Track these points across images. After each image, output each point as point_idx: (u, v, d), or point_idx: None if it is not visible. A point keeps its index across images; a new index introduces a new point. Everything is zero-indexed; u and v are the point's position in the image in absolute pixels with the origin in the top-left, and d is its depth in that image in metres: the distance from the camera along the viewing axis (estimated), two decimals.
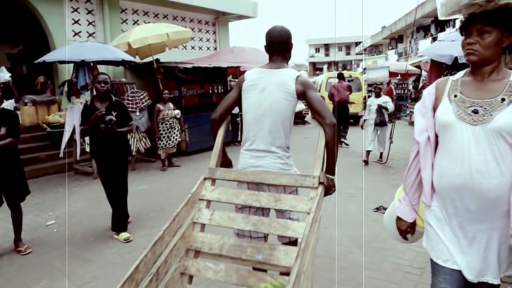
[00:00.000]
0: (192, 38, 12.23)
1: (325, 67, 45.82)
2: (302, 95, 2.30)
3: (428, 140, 1.71)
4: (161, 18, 11.05)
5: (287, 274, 1.79)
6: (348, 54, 50.49)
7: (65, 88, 7.03)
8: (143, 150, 7.53)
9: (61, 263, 3.59)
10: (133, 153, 7.40)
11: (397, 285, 3.11)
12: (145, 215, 4.90)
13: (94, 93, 4.39)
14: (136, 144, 7.39)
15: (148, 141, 7.59)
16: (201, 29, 12.60)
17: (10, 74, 7.86)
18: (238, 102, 2.47)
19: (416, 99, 17.01)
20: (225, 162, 2.64)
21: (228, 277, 1.99)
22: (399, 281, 3.19)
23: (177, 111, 7.53)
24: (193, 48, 12.35)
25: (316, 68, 51.64)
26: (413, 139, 1.76)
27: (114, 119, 3.92)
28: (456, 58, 6.21)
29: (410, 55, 26.06)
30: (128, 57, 6.82)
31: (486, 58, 1.57)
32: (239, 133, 10.32)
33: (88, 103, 4.13)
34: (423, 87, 8.57)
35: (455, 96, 1.65)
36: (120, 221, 4.21)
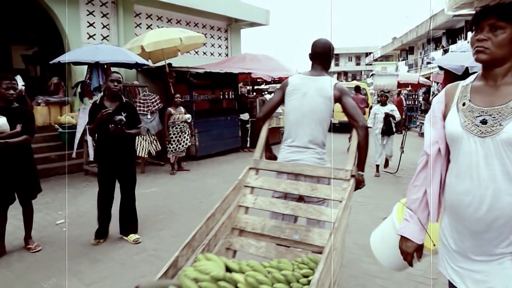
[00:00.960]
0: (204, 44, 12.31)
1: (334, 77, 45.71)
2: (338, 100, 2.65)
3: (438, 153, 1.55)
4: (174, 23, 11.16)
5: (320, 253, 2.05)
6: (358, 64, 50.45)
7: (78, 89, 7.10)
8: (153, 153, 7.55)
9: (70, 262, 3.58)
10: (144, 156, 7.42)
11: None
12: (154, 218, 4.89)
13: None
14: (148, 146, 7.42)
15: (158, 144, 7.61)
16: (213, 35, 12.69)
17: (23, 83, 7.93)
18: (280, 103, 2.85)
19: (426, 110, 16.93)
20: (271, 157, 2.98)
21: (268, 253, 2.27)
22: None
23: (188, 116, 7.56)
24: (205, 53, 12.43)
25: None
26: (423, 151, 1.63)
27: (124, 119, 3.86)
28: (467, 68, 6.16)
29: (421, 66, 26.04)
30: (142, 60, 6.88)
31: (498, 58, 1.40)
32: (248, 139, 10.32)
33: (98, 102, 4.04)
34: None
35: (463, 104, 1.48)
36: (129, 224, 4.20)
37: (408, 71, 25.33)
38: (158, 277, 1.76)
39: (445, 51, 18.44)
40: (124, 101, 4.08)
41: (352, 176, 2.36)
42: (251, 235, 2.41)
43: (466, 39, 17.88)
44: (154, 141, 7.53)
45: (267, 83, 15.37)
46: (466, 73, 6.35)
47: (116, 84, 3.91)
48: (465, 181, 1.42)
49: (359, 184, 2.52)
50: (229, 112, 10.02)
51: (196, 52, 12.05)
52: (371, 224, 4.61)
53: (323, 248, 1.93)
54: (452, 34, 21.55)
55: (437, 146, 1.55)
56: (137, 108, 7.27)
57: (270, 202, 2.47)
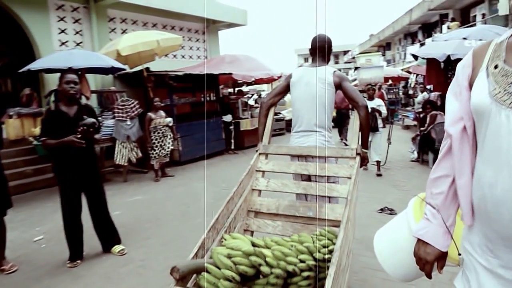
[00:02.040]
0: (182, 47, 12.03)
1: None
2: (338, 85, 2.90)
3: (464, 132, 1.20)
4: (150, 27, 10.87)
5: (334, 226, 2.25)
6: (336, 62, 50.78)
7: (52, 98, 6.76)
8: (135, 160, 7.25)
9: (50, 280, 3.31)
10: (125, 164, 7.13)
11: (413, 286, 2.92)
12: (139, 227, 4.63)
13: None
14: (128, 154, 7.12)
15: (139, 151, 7.32)
16: (191, 37, 12.45)
17: None
18: (285, 91, 3.10)
19: (406, 104, 17.07)
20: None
21: (285, 231, 2.42)
22: (415, 281, 2.99)
23: (169, 119, 7.30)
24: (183, 57, 12.17)
25: None
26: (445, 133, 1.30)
27: (96, 122, 3.48)
28: (449, 56, 6.14)
29: (399, 61, 26.34)
30: (118, 64, 6.61)
31: None
32: (232, 141, 10.11)
33: (53, 109, 3.51)
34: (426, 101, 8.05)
35: (496, 67, 1.14)
36: (109, 238, 3.89)
37: (386, 66, 25.54)
38: (190, 258, 1.83)
39: (422, 45, 18.65)
40: (82, 104, 3.70)
41: (358, 154, 2.58)
42: (267, 216, 2.56)
43: (441, 32, 18.12)
44: (135, 148, 7.24)
45: (248, 84, 15.21)
46: (448, 62, 6.32)
47: (72, 85, 3.44)
48: (493, 170, 1.09)
49: (363, 161, 2.71)
50: (211, 115, 9.79)
51: (174, 56, 11.80)
52: (366, 217, 4.49)
53: (336, 222, 2.24)
54: (428, 28, 21.84)
55: (462, 123, 1.20)
56: (116, 115, 7.02)
57: (282, 184, 2.63)
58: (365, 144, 2.78)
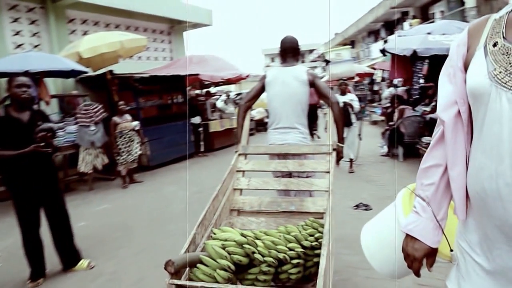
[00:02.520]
0: (147, 48, 11.70)
1: None
2: (312, 83, 3.01)
3: (458, 118, 1.11)
4: (113, 28, 10.46)
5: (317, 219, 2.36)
6: (302, 62, 51.33)
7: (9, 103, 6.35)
8: (100, 167, 6.94)
9: None
10: (90, 171, 6.80)
11: (398, 281, 2.86)
12: (109, 237, 4.39)
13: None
14: (93, 161, 6.80)
15: (105, 157, 7.02)
16: (156, 38, 12.13)
17: None
18: (261, 92, 3.15)
19: (372, 100, 17.43)
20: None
21: (269, 226, 2.45)
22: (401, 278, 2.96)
23: (136, 123, 7.04)
24: (148, 58, 11.84)
25: None
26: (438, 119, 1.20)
27: (52, 126, 3.19)
28: (415, 51, 6.24)
29: (363, 59, 26.87)
30: (80, 67, 6.30)
31: None
32: (202, 143, 9.92)
33: (3, 115, 3.15)
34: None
35: (495, 44, 1.03)
36: (71, 255, 3.56)
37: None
38: (182, 253, 1.84)
39: (385, 42, 19.10)
40: (36, 109, 3.39)
41: (334, 149, 2.71)
42: (249, 214, 2.61)
43: (403, 29, 18.63)
44: (101, 154, 6.93)
45: (215, 85, 15.02)
46: (414, 56, 6.42)
47: (25, 89, 3.12)
48: (492, 159, 0.99)
49: (338, 155, 2.83)
50: (179, 117, 9.56)
51: (139, 58, 11.44)
52: (341, 214, 4.46)
53: (318, 214, 2.42)
54: (390, 25, 22.38)
55: (456, 108, 1.11)
56: (79, 120, 6.69)
57: (263, 182, 2.72)
58: (340, 138, 2.90)
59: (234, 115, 11.61)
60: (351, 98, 6.88)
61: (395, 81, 12.72)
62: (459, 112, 1.11)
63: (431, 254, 1.19)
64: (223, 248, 1.89)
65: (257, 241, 1.99)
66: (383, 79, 13.88)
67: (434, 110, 6.92)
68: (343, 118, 3.01)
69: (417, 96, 7.13)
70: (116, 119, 6.77)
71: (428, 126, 6.94)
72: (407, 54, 6.37)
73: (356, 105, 6.78)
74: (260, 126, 14.68)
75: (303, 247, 2.09)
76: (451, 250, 1.21)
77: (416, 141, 7.07)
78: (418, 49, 6.01)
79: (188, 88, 10.74)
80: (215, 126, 10.30)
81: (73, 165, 6.95)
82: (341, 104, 6.35)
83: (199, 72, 9.56)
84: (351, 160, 6.78)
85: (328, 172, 2.58)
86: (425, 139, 6.08)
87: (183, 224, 4.61)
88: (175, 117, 9.49)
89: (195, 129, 9.81)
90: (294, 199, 2.64)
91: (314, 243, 2.11)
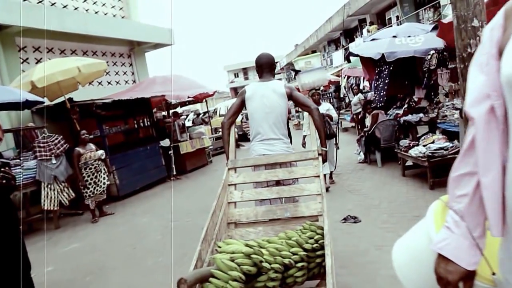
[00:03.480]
0: (107, 73, 11.28)
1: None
2: (289, 95, 3.17)
3: (491, 114, 0.92)
4: (69, 54, 9.99)
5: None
6: None
7: None
8: (67, 202, 6.43)
9: None
10: (55, 208, 6.28)
11: None
12: (79, 281, 3.96)
13: None
14: (57, 196, 6.29)
15: (71, 191, 6.52)
16: (116, 62, 11.70)
17: None
18: (241, 107, 3.30)
19: (339, 107, 17.56)
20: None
21: (267, 234, 2.55)
22: None
23: (101, 152, 6.59)
24: (109, 83, 11.38)
25: (237, 93, 51.77)
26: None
27: (9, 162, 2.80)
28: (383, 55, 6.22)
29: (326, 67, 27.28)
30: (34, 97, 5.84)
31: None
32: (173, 166, 9.51)
33: None
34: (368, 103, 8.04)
35: None
36: None
37: None
38: (191, 270, 1.87)
39: (346, 50, 19.41)
40: None
41: (319, 154, 2.90)
42: (246, 225, 2.70)
43: (362, 35, 19.06)
44: (66, 189, 6.43)
45: (182, 105, 14.65)
46: (383, 60, 6.38)
47: None
48: None
49: (323, 159, 2.97)
50: (147, 141, 9.15)
51: (100, 83, 10.99)
52: (331, 230, 4.20)
53: (313, 217, 2.57)
54: (349, 33, 22.87)
55: (489, 102, 0.92)
56: (38, 154, 6.19)
57: (256, 193, 2.83)
58: (323, 143, 3.10)
59: (204, 134, 11.29)
60: (327, 107, 6.44)
61: (362, 86, 12.85)
62: (492, 107, 0.92)
63: (468, 277, 0.99)
64: (232, 261, 1.95)
65: (262, 250, 2.08)
66: (351, 86, 13.96)
67: (406, 112, 6.89)
68: (324, 124, 3.35)
69: (381, 98, 7.06)
70: (79, 149, 6.31)
71: (403, 129, 6.89)
72: (375, 58, 6.33)
73: (334, 114, 6.39)
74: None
75: (305, 250, 2.20)
76: (493, 274, 1.00)
77: (393, 145, 7.00)
78: (386, 52, 5.98)
79: (154, 111, 10.35)
80: (186, 147, 9.93)
81: (36, 203, 6.41)
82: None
83: (164, 93, 9.22)
84: (331, 172, 6.43)
85: (317, 176, 2.76)
86: (402, 142, 6.00)
87: (162, 258, 4.24)
88: (143, 142, 9.09)
89: (165, 152, 9.40)
90: (288, 205, 2.78)
91: (314, 245, 2.23)
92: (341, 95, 18.73)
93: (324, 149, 3.05)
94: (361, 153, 7.68)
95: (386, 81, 6.58)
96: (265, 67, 3.31)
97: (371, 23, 18.85)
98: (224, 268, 1.91)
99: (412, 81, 7.11)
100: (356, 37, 21.37)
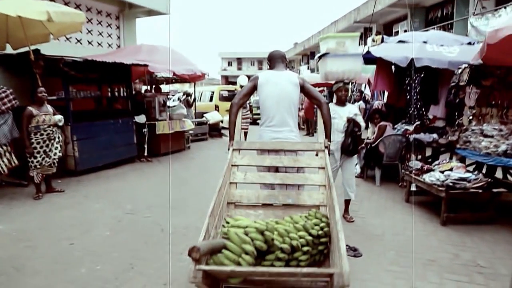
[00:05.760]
0: (90, 31, 10.12)
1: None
2: (302, 87, 3.28)
3: None
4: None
5: None
6: (260, 69, 50.61)
7: None
8: (5, 170, 5.33)
9: None
10: None
11: None
12: None
13: None
14: None
15: (14, 158, 5.42)
16: (102, 21, 10.50)
17: None
18: (252, 92, 3.42)
19: None
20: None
21: (267, 218, 2.53)
22: None
23: (59, 117, 5.50)
24: (90, 43, 10.19)
25: (228, 81, 50.53)
26: None
27: None
28: (412, 60, 5.35)
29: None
30: None
31: None
32: (146, 146, 8.45)
33: None
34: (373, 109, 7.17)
35: None
36: None
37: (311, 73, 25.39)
38: (200, 241, 1.78)
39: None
40: None
41: (326, 146, 2.98)
42: (246, 207, 2.74)
43: (366, 44, 18.30)
44: (7, 154, 5.33)
45: (168, 82, 13.52)
46: (410, 66, 5.50)
47: None
48: None
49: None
50: (121, 114, 8.06)
51: (79, 41, 9.82)
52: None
53: (314, 206, 2.67)
54: None
55: None
56: None
57: (259, 176, 2.93)
58: (328, 137, 3.14)
59: (184, 116, 10.25)
60: (355, 112, 4.45)
61: (368, 93, 12.03)
62: None
63: None
64: (246, 235, 1.96)
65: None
66: (352, 91, 13.15)
67: (418, 130, 6.05)
68: (331, 118, 3.25)
69: (416, 113, 6.16)
70: (31, 109, 5.22)
71: (411, 148, 6.05)
72: (401, 64, 5.44)
73: (363, 122, 4.48)
74: (214, 131, 13.41)
75: (310, 235, 2.20)
76: None
77: (396, 164, 6.16)
78: (417, 58, 5.10)
79: (136, 81, 9.23)
80: (163, 127, 8.86)
81: None
82: (344, 121, 4.33)
83: (148, 63, 8.13)
84: (347, 202, 4.62)
85: (322, 168, 2.80)
86: (414, 163, 5.14)
87: (101, 266, 3.25)
88: (115, 114, 7.98)
89: (139, 130, 8.33)
90: (291, 192, 2.79)
91: (319, 232, 2.24)
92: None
93: (329, 142, 3.07)
94: (357, 167, 6.80)
95: (417, 90, 5.71)
96: (277, 57, 3.45)
97: (378, 33, 18.13)
98: (238, 242, 1.92)
99: (429, 96, 6.27)
100: (360, 44, 20.62)
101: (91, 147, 7.02)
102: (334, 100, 4.56)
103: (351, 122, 4.27)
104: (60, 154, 5.58)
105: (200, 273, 1.61)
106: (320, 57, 5.12)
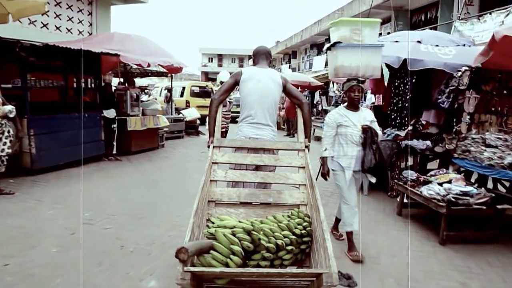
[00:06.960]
0: (58, 15, 9.32)
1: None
2: (284, 86, 3.23)
3: None
4: None
5: None
6: (241, 66, 49.95)
7: None
8: None
9: None
10: None
11: None
12: None
13: None
14: None
15: None
16: (72, 6, 9.68)
17: None
18: (233, 87, 3.32)
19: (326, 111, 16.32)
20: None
21: (248, 216, 2.53)
22: None
23: (10, 107, 4.79)
24: (58, 28, 9.38)
25: (208, 78, 49.57)
26: None
27: None
28: (405, 61, 4.90)
29: (303, 71, 26.10)
30: None
31: None
32: (114, 143, 7.75)
33: None
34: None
35: None
36: None
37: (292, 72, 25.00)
38: (186, 241, 1.73)
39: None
40: None
41: (306, 146, 2.96)
42: (226, 205, 2.69)
43: None
44: None
45: (143, 75, 12.78)
46: (404, 66, 5.06)
47: None
48: None
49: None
50: (87, 107, 7.32)
51: (45, 25, 9.01)
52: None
53: (295, 206, 2.66)
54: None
55: None
56: None
57: (240, 174, 2.83)
58: (308, 137, 3.07)
59: (158, 112, 9.57)
60: (371, 118, 3.67)
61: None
62: None
63: None
64: (233, 235, 1.95)
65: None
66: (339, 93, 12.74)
67: (410, 136, 5.62)
68: (311, 119, 3.17)
69: (402, 119, 5.72)
70: None
71: (402, 154, 5.63)
72: (393, 65, 4.98)
73: (379, 130, 3.71)
74: (191, 128, 12.76)
75: (294, 234, 2.19)
76: None
77: (385, 172, 5.70)
78: (413, 59, 4.65)
79: (109, 73, 8.48)
80: (135, 123, 8.17)
81: None
82: (358, 129, 3.55)
83: (120, 52, 7.43)
84: (349, 234, 3.63)
85: (302, 167, 2.83)
86: (408, 173, 4.69)
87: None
88: (80, 107, 7.24)
89: (108, 125, 7.62)
90: (272, 191, 2.75)
91: (303, 231, 2.23)
92: (315, 101, 17.56)
93: (308, 143, 3.00)
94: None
95: (408, 96, 5.26)
96: (262, 53, 3.37)
97: None
98: (225, 242, 1.91)
99: (421, 100, 5.85)
100: None
101: (51, 143, 6.30)
102: (340, 103, 4.17)
103: (369, 131, 3.48)
104: (10, 150, 4.87)
105: (189, 275, 1.57)
106: (329, 48, 4.11)
